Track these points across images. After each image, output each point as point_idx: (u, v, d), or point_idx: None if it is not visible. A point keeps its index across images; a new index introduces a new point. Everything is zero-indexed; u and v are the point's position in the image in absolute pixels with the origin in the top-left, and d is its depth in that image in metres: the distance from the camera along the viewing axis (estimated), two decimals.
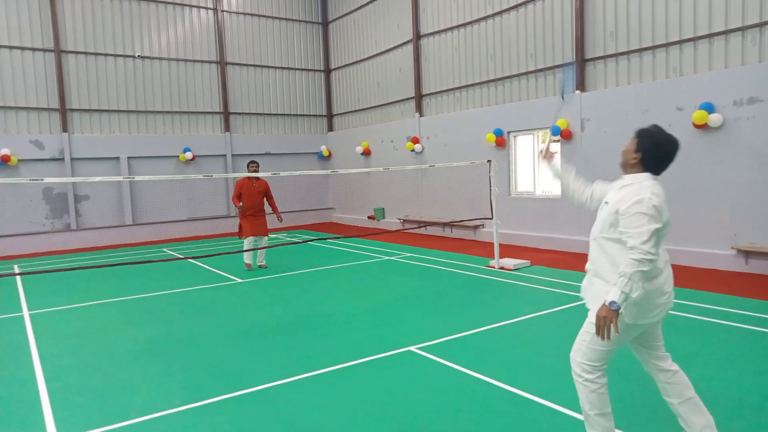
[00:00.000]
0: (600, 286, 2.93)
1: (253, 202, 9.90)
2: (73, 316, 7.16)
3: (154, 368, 5.06)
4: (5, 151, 13.11)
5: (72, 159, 14.09)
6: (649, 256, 2.66)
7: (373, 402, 4.12)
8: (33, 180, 6.00)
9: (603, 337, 2.73)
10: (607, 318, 2.70)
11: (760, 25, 7.96)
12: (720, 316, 5.97)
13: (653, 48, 9.32)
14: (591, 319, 2.94)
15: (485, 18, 12.44)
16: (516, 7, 11.66)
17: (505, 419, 3.74)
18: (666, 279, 2.94)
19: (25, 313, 7.33)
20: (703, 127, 8.43)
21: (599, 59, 10.20)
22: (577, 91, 10.43)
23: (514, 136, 11.99)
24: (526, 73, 11.58)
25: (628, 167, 3.02)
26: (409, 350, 5.22)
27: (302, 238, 14.33)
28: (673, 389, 3.05)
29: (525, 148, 11.91)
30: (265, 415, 3.96)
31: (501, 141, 11.91)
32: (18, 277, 9.87)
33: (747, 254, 8.12)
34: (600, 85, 10.25)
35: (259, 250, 10.00)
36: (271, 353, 5.36)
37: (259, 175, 8.45)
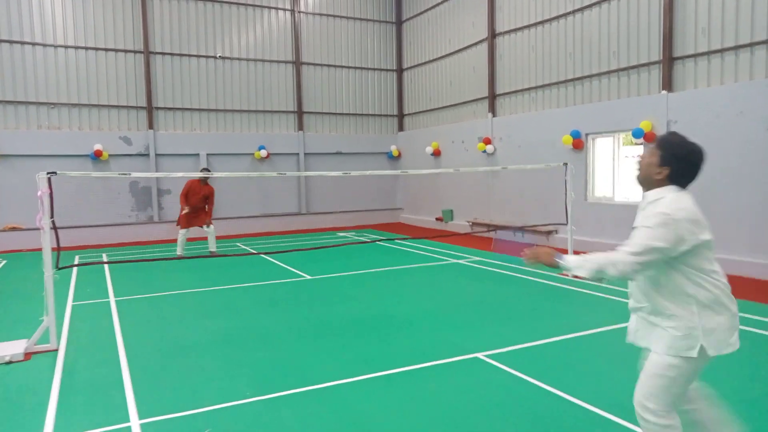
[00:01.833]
0: (662, 329, 2.57)
1: (195, 202, 11.15)
2: (153, 304, 7.55)
3: (227, 359, 5.22)
4: (98, 147, 14.07)
5: (156, 155, 14.92)
6: (629, 267, 2.46)
7: (438, 407, 4.04)
8: (122, 174, 6.35)
9: (525, 259, 2.74)
10: (545, 259, 2.68)
11: None
12: None
13: (751, 45, 8.60)
14: (654, 360, 2.61)
15: (565, 15, 11.98)
16: (599, 3, 11.14)
17: None
18: (733, 303, 2.58)
19: (112, 299, 7.80)
20: None
21: (689, 57, 9.55)
22: (664, 91, 9.82)
23: (593, 138, 11.47)
24: (608, 72, 11.04)
25: (650, 183, 2.66)
26: (476, 357, 5.09)
27: (370, 237, 14.42)
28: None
29: (604, 150, 11.37)
30: (330, 412, 3.98)
31: (578, 143, 11.43)
32: (106, 265, 10.55)
33: None
34: (689, 85, 9.60)
35: (209, 239, 11.48)
36: (337, 351, 5.39)
37: (208, 176, 9.53)
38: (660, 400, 2.56)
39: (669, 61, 9.81)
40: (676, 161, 2.59)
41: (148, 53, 14.77)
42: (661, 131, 9.82)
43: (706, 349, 2.47)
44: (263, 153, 16.07)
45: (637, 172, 2.77)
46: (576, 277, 2.44)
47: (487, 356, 5.09)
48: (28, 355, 5.41)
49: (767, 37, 8.40)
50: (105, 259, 11.39)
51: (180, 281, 8.95)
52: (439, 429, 3.71)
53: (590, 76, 11.46)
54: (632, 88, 10.62)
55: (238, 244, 13.61)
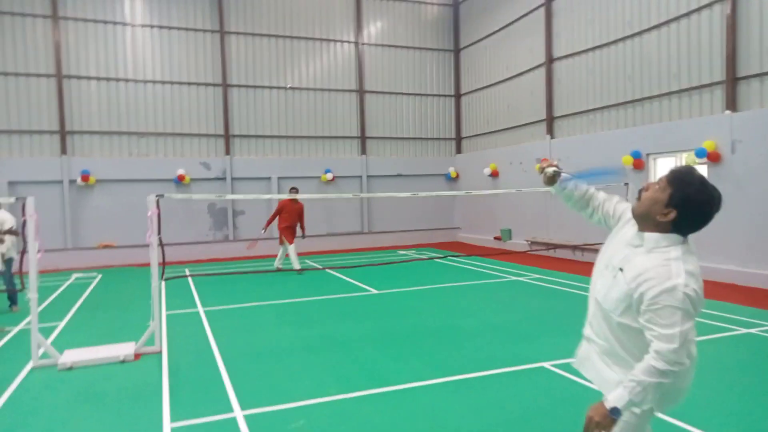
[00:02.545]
0: (610, 372, 2.41)
1: (291, 220, 12.04)
2: (237, 314, 8.29)
3: (310, 362, 5.80)
4: (181, 171, 15.34)
5: (233, 178, 16.07)
6: (677, 367, 2.10)
7: (507, 410, 4.43)
8: (219, 197, 7.14)
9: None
10: (599, 422, 2.18)
11: None
12: None
13: None
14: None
15: (623, 39, 12.19)
16: (658, 26, 11.31)
17: None
18: (693, 365, 2.32)
19: (200, 309, 8.62)
20: None
21: (754, 77, 9.56)
22: (728, 111, 9.84)
23: (654, 159, 11.53)
24: (669, 94, 11.14)
25: (650, 223, 2.27)
26: (542, 366, 5.42)
27: (429, 255, 14.85)
28: None
29: (666, 170, 11.38)
30: (408, 411, 4.44)
31: (639, 163, 11.52)
32: (190, 279, 11.52)
33: None
34: (755, 105, 9.59)
35: (283, 255, 12.31)
36: (410, 358, 5.86)
37: (298, 197, 10.44)
38: None
39: (732, 80, 9.84)
40: (688, 207, 2.19)
41: (225, 86, 16.04)
42: (725, 150, 9.82)
43: (654, 409, 2.33)
44: (329, 176, 16.94)
45: (636, 203, 2.37)
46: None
47: (552, 365, 5.43)
48: (137, 356, 6.19)
49: None
50: (187, 273, 12.39)
51: (259, 294, 9.70)
52: (508, 427, 4.10)
53: (650, 98, 11.57)
54: (694, 108, 10.67)
55: (306, 261, 14.38)
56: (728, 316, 7.25)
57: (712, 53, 10.26)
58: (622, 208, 2.58)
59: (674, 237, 2.23)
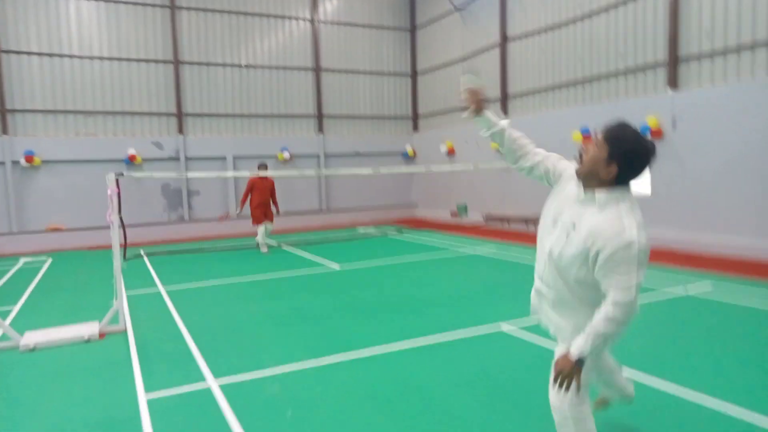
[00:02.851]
0: (564, 320, 2.64)
1: (262, 197, 11.73)
2: (201, 292, 8.28)
3: (279, 333, 5.93)
4: (132, 151, 14.90)
5: (186, 158, 15.74)
6: (632, 315, 2.32)
7: (469, 367, 4.71)
8: (152, 176, 7.06)
9: (560, 389, 2.45)
10: (569, 373, 2.39)
11: None
12: None
13: (753, 47, 9.18)
14: (561, 353, 2.58)
15: (574, 21, 12.61)
16: (606, 9, 11.76)
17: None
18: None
19: (161, 289, 8.55)
20: None
21: (693, 58, 10.14)
22: (670, 90, 10.41)
23: None
24: (616, 73, 11.65)
25: (594, 180, 2.43)
26: (500, 330, 5.74)
27: (388, 231, 15.09)
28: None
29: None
30: (376, 373, 4.66)
31: (588, 139, 12.04)
32: (146, 260, 11.33)
33: None
34: (694, 84, 10.18)
35: (267, 232, 12.08)
36: (376, 325, 6.08)
37: (268, 174, 10.56)
38: (568, 399, 2.56)
39: (674, 61, 10.40)
40: (627, 159, 2.37)
41: (177, 63, 15.60)
42: (666, 127, 10.42)
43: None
44: (286, 155, 16.84)
45: (578, 166, 2.51)
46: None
47: (509, 328, 5.76)
48: (102, 335, 6.14)
49: (767, 37, 8.98)
50: (143, 253, 12.16)
51: (219, 272, 9.67)
52: (471, 385, 4.38)
53: (599, 77, 12.07)
54: (639, 87, 11.22)
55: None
56: (668, 277, 7.81)
57: (656, 35, 10.78)
58: (562, 166, 2.73)
59: (621, 189, 2.42)
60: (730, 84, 9.50)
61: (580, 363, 2.39)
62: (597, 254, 2.35)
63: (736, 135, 9.27)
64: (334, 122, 18.10)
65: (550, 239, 2.61)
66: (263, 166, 11.76)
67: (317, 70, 17.58)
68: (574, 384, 2.45)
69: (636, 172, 2.42)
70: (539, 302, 2.83)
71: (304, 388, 4.42)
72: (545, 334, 5.50)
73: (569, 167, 2.64)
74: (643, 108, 10.89)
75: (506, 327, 5.82)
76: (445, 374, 4.59)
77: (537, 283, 2.79)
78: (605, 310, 2.34)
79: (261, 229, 11.87)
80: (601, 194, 2.42)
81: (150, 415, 4.02)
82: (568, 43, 12.84)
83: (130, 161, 14.91)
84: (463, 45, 16.66)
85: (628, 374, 3.90)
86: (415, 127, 19.49)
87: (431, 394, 4.21)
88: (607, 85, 11.93)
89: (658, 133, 10.51)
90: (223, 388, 4.44)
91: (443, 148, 17.05)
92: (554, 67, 13.30)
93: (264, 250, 11.87)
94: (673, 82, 10.42)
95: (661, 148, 10.55)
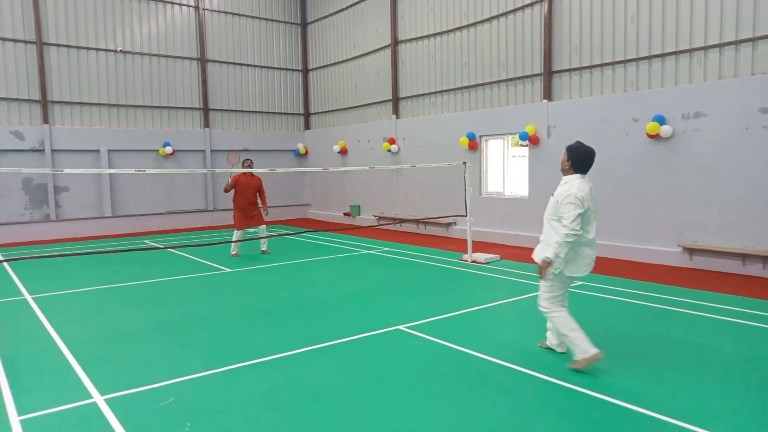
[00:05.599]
0: (542, 245, 4.67)
1: (247, 197, 10.59)
2: (75, 299, 7.55)
3: (169, 342, 5.58)
4: None
5: (53, 150, 14.21)
6: (573, 232, 4.34)
7: (370, 368, 4.79)
8: (11, 170, 6.37)
9: (543, 277, 4.55)
10: (543, 266, 4.53)
11: (705, 48, 8.99)
12: (666, 303, 6.89)
13: (613, 64, 10.27)
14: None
15: (460, 28, 13.25)
16: (489, 19, 12.50)
17: (481, 379, 4.48)
18: (591, 248, 4.59)
19: (27, 296, 7.67)
20: (655, 137, 9.41)
21: (565, 72, 11.12)
22: (545, 101, 11.33)
23: (486, 140, 12.83)
24: (498, 82, 12.44)
25: (564, 171, 4.68)
26: (398, 329, 5.90)
27: (280, 231, 14.82)
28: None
29: (495, 151, 12.78)
30: (278, 378, 4.58)
31: (473, 144, 12.74)
32: (6, 264, 10.09)
33: (691, 251, 9.13)
34: (565, 96, 11.17)
35: (262, 239, 10.98)
36: (272, 331, 5.95)
37: (254, 171, 8.99)
38: (546, 298, 4.69)
39: (549, 73, 11.34)
40: (575, 158, 4.56)
41: (41, 44, 14.01)
42: (542, 134, 11.34)
43: (563, 271, 4.53)
44: (168, 149, 15.84)
45: (561, 166, 4.69)
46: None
47: (407, 327, 5.94)
48: None
49: (624, 57, 10.10)
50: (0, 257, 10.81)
51: (96, 278, 8.89)
52: (373, 386, 4.46)
53: (483, 85, 12.81)
54: (519, 96, 12.08)
55: (145, 240, 13.43)
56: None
57: (534, 48, 11.68)
58: (570, 197, 4.48)
59: (576, 175, 4.57)
60: (594, 97, 10.57)
61: (548, 261, 4.49)
62: (557, 203, 4.51)
63: (600, 142, 10.31)
64: (221, 116, 17.37)
65: (546, 209, 4.69)
66: (248, 162, 10.37)
67: (203, 60, 16.74)
68: (547, 286, 4.62)
69: (583, 164, 4.58)
70: (538, 246, 4.77)
71: (201, 397, 4.22)
72: (437, 331, 5.78)
73: (567, 191, 4.51)
74: (523, 116, 11.75)
75: (403, 326, 5.99)
76: (347, 374, 4.63)
77: (540, 237, 4.78)
78: (560, 230, 4.41)
79: (239, 234, 10.75)
80: (564, 178, 4.65)
81: None
82: (455, 49, 13.47)
83: None
84: (355, 44, 16.80)
85: None
86: (307, 125, 19.31)
87: (331, 396, 4.22)
88: (491, 92, 12.70)
89: (535, 140, 11.40)
90: (111, 403, 4.11)
91: (336, 148, 17.07)
92: (443, 72, 13.88)
93: (234, 251, 10.81)
94: (548, 93, 11.35)
95: (537, 153, 11.46)
